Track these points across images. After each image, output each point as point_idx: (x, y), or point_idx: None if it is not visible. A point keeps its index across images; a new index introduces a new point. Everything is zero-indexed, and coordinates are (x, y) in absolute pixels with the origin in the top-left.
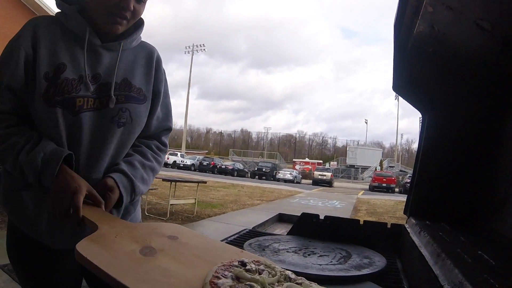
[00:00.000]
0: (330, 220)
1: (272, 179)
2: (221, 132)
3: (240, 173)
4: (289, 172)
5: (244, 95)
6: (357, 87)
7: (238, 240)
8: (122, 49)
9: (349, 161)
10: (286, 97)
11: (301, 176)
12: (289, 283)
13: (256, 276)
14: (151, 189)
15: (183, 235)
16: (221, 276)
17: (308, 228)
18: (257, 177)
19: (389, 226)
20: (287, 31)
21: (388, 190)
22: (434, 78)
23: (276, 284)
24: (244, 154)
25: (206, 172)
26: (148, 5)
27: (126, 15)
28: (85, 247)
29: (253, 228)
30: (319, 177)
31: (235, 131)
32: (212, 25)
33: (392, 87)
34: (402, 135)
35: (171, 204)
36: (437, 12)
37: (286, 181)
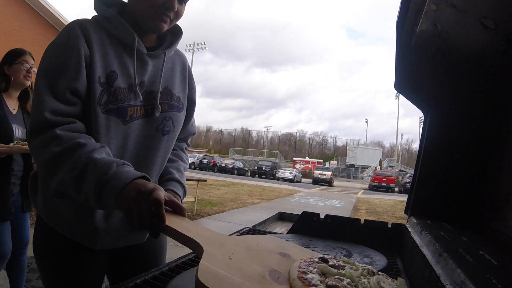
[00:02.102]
0: (331, 218)
1: (272, 178)
2: (221, 130)
3: (240, 172)
4: (289, 171)
5: (248, 94)
6: (360, 87)
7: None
8: (162, 57)
9: (349, 161)
10: (289, 96)
11: (301, 175)
12: (378, 276)
13: (341, 271)
14: None
15: (290, 250)
16: (307, 272)
17: (309, 227)
18: (257, 175)
19: (389, 225)
20: (293, 30)
21: (388, 189)
22: (436, 76)
23: (362, 277)
24: (244, 153)
25: (206, 171)
26: None
27: (170, 15)
28: (210, 278)
29: (253, 226)
30: (319, 176)
31: (235, 129)
32: (220, 24)
33: (394, 85)
34: (402, 135)
35: None
36: (440, 10)
37: (286, 180)
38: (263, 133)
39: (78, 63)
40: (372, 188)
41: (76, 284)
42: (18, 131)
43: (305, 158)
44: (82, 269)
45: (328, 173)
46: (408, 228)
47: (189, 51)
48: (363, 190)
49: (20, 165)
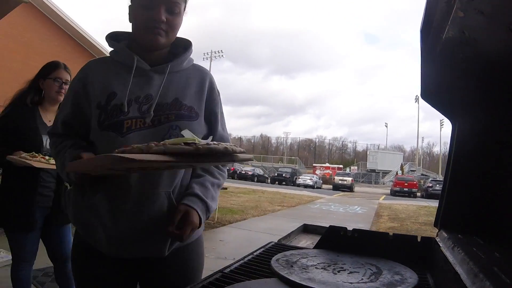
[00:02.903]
0: (358, 233)
1: (292, 184)
2: (240, 137)
3: (260, 179)
4: (309, 177)
5: (266, 101)
6: (379, 91)
7: (264, 255)
8: (173, 71)
9: (369, 166)
10: (308, 102)
11: (321, 181)
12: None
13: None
14: None
15: None
16: None
17: (336, 242)
18: (277, 182)
19: (419, 239)
20: (310, 37)
21: (410, 194)
22: (464, 84)
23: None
24: (264, 160)
25: (226, 178)
26: None
27: (162, 26)
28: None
29: (279, 240)
30: (340, 182)
31: (254, 136)
32: (237, 33)
33: (420, 94)
34: (423, 138)
35: None
36: (468, 17)
37: (306, 186)
38: (282, 140)
39: (72, 102)
40: (393, 193)
41: None
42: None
43: (325, 164)
44: (104, 277)
45: (349, 179)
46: (439, 243)
47: (207, 59)
48: (384, 196)
49: (52, 177)
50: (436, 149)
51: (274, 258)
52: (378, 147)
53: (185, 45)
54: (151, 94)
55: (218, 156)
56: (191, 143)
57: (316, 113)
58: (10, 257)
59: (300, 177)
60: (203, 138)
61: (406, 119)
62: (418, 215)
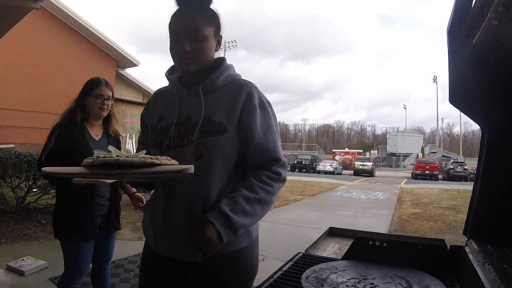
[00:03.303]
0: (387, 242)
1: (312, 171)
2: None
3: None
4: (329, 164)
5: (283, 88)
6: (396, 73)
7: (294, 270)
8: (208, 91)
9: (389, 149)
10: (325, 87)
11: (341, 167)
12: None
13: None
14: None
15: None
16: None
17: (364, 252)
18: (297, 170)
19: (448, 248)
20: (325, 21)
21: (432, 177)
22: (493, 89)
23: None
24: (283, 148)
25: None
26: None
27: (188, 56)
28: None
29: (306, 251)
30: (360, 167)
31: None
32: (251, 22)
33: (449, 99)
34: (442, 119)
35: None
36: (503, 26)
37: (326, 173)
38: (300, 126)
39: (141, 126)
40: (415, 176)
41: None
42: None
43: (344, 149)
44: (156, 274)
45: (369, 164)
46: (469, 255)
47: (221, 50)
48: (406, 179)
49: (107, 186)
50: (456, 130)
51: (304, 276)
52: (398, 130)
53: (216, 64)
54: (190, 115)
55: (146, 168)
56: (112, 156)
57: (333, 97)
58: (38, 263)
59: (320, 163)
60: (238, 151)
61: (425, 100)
62: (441, 199)
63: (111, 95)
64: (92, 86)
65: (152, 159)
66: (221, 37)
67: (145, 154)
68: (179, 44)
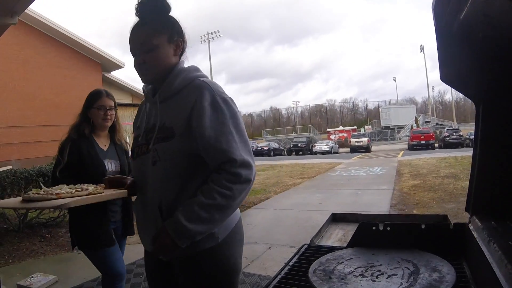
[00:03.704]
0: (390, 226)
1: (309, 153)
2: (251, 114)
3: (277, 152)
4: (325, 144)
5: (272, 72)
6: (384, 46)
7: (301, 263)
8: (167, 97)
9: (383, 123)
10: (314, 67)
11: (337, 146)
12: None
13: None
14: None
15: None
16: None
17: (369, 238)
18: (293, 153)
19: (451, 226)
20: (308, 1)
21: (428, 147)
22: (486, 64)
23: None
24: (278, 132)
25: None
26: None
27: (144, 67)
28: None
29: (311, 241)
30: (356, 144)
31: (264, 110)
32: (235, 10)
33: (440, 77)
34: (433, 87)
35: None
36: (490, 1)
37: (323, 153)
38: (292, 109)
39: None
40: (411, 147)
41: None
42: (111, 165)
43: (338, 127)
44: (150, 274)
45: (365, 139)
46: (473, 232)
47: (205, 41)
48: (403, 151)
49: None
50: (448, 97)
51: (311, 269)
52: (390, 102)
53: (167, 70)
54: (155, 123)
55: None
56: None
57: (323, 77)
58: (48, 279)
59: (316, 144)
60: (191, 155)
61: (415, 70)
62: (439, 168)
63: (113, 105)
64: (94, 99)
65: (53, 194)
66: (181, 40)
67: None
68: (135, 58)
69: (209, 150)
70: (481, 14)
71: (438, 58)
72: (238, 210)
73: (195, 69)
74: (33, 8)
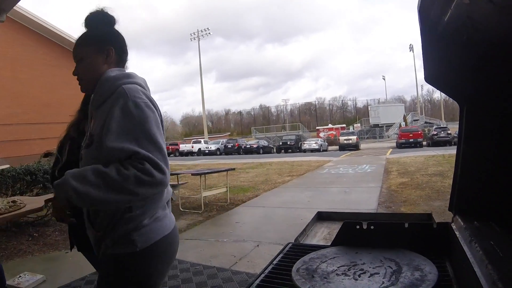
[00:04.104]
0: (374, 225)
1: (298, 150)
2: (240, 111)
3: (266, 150)
4: (314, 141)
5: (263, 71)
6: (374, 46)
7: (285, 262)
8: (97, 106)
9: (372, 121)
10: (304, 66)
11: (326, 144)
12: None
13: None
14: (183, 183)
15: None
16: None
17: (352, 237)
18: (283, 151)
19: (435, 225)
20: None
21: (416, 145)
22: (469, 66)
23: None
24: (267, 130)
25: (232, 154)
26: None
27: (79, 79)
28: None
29: (296, 240)
30: (345, 142)
31: (253, 108)
32: (227, 9)
33: (424, 78)
34: (422, 86)
35: (203, 196)
36: (475, 4)
37: (312, 150)
38: (282, 107)
39: None
40: (400, 145)
41: None
42: None
43: (327, 125)
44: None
45: (354, 137)
46: (455, 232)
47: (194, 39)
48: (391, 149)
49: None
50: (437, 95)
51: (294, 268)
52: (379, 101)
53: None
54: (88, 129)
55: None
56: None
57: (313, 75)
58: (36, 278)
59: (305, 142)
60: (108, 160)
61: (404, 69)
62: (427, 166)
63: None
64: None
65: None
66: (112, 49)
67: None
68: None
69: (113, 153)
70: (465, 16)
71: (423, 59)
72: (169, 225)
73: (124, 75)
74: (22, 5)
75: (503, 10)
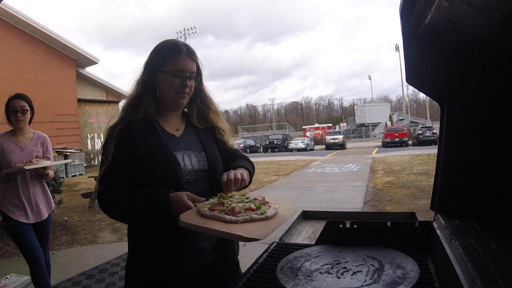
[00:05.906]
0: (357, 224)
1: (284, 150)
2: (227, 110)
3: (253, 149)
4: (300, 141)
5: (252, 70)
6: (362, 45)
7: (269, 261)
8: None
9: (358, 120)
10: (293, 65)
11: (313, 143)
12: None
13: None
14: None
15: None
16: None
17: (336, 235)
18: (269, 150)
19: (417, 224)
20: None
21: (402, 144)
22: (450, 67)
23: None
24: (253, 129)
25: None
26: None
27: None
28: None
29: (280, 239)
30: (331, 141)
31: (240, 107)
32: (217, 7)
33: (406, 79)
34: (408, 86)
35: None
36: (454, 7)
37: (299, 150)
38: (268, 106)
39: None
40: (385, 145)
41: None
42: (189, 160)
43: (314, 124)
44: None
45: (340, 137)
46: (436, 230)
47: (181, 38)
48: (377, 149)
49: None
50: (422, 95)
51: (278, 267)
52: (365, 100)
53: None
54: None
55: None
56: None
57: (302, 75)
58: (23, 279)
59: (292, 141)
60: None
61: (390, 69)
62: (413, 165)
63: (194, 70)
64: (167, 56)
65: None
66: None
67: None
68: None
69: None
70: (445, 19)
71: (404, 60)
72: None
73: None
74: (7, 2)
75: (481, 12)
